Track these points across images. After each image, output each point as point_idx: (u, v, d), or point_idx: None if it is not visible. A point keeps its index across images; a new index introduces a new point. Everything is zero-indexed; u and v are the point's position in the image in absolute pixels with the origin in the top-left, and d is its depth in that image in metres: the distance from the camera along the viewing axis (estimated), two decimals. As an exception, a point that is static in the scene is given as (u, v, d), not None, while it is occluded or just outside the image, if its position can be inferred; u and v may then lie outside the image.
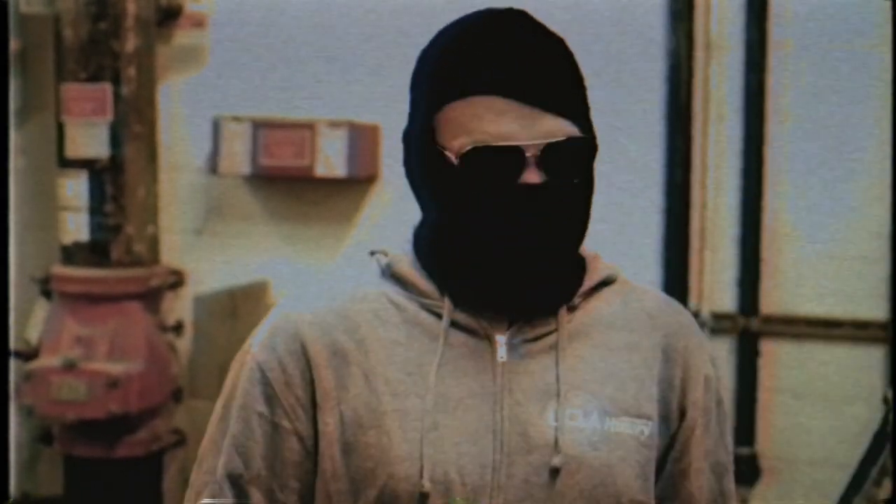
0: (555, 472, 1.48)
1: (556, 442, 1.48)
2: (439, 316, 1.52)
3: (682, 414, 1.57)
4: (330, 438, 1.51)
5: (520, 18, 1.51)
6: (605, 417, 1.51)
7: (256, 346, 1.57)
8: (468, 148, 1.45)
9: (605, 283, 1.58)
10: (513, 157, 1.45)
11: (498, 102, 1.46)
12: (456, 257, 1.51)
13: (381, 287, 1.56)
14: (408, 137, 1.56)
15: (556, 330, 1.53)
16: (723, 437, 1.62)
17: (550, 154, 1.46)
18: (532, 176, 1.46)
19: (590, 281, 1.56)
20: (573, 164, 1.48)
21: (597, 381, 1.52)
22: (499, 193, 1.46)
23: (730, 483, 1.63)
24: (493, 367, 1.51)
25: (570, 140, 1.47)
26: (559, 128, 1.47)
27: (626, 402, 1.52)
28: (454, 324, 1.52)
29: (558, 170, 1.47)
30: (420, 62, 1.55)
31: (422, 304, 1.53)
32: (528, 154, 1.45)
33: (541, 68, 1.48)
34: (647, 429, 1.52)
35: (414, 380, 1.50)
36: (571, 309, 1.54)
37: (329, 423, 1.51)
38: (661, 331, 1.57)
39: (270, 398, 1.54)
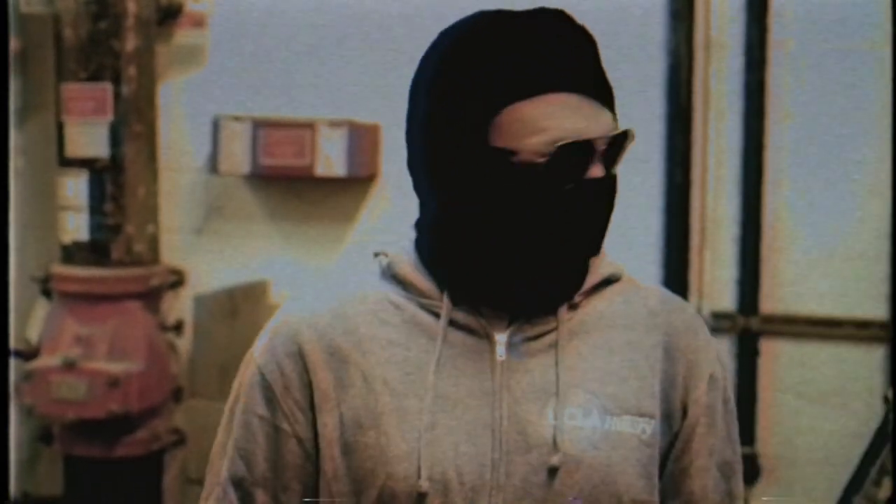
0: (553, 471, 1.47)
1: (555, 441, 1.48)
2: (438, 316, 1.52)
3: (685, 412, 1.56)
4: (330, 439, 1.51)
5: (562, 15, 1.50)
6: (606, 416, 1.50)
7: (258, 350, 1.57)
8: (558, 145, 1.44)
9: (609, 281, 1.58)
10: (588, 152, 1.46)
11: (564, 98, 1.46)
12: (480, 256, 1.49)
13: (382, 288, 1.55)
14: (420, 140, 1.51)
15: (556, 328, 1.52)
16: (730, 437, 1.61)
17: (611, 148, 1.47)
18: (598, 170, 1.46)
19: (592, 279, 1.56)
20: (621, 156, 1.50)
21: (597, 379, 1.52)
22: (572, 189, 1.46)
23: (738, 484, 1.62)
24: (492, 365, 1.51)
25: (627, 132, 1.49)
26: (611, 121, 1.48)
27: (626, 400, 1.52)
28: (453, 323, 1.52)
29: (612, 163, 1.48)
30: (448, 68, 1.48)
31: (421, 303, 1.53)
32: (597, 149, 1.46)
33: (596, 63, 1.50)
34: (648, 427, 1.52)
35: (412, 379, 1.50)
36: (572, 307, 1.54)
37: (328, 424, 1.51)
38: (663, 328, 1.57)
39: (271, 401, 1.54)
